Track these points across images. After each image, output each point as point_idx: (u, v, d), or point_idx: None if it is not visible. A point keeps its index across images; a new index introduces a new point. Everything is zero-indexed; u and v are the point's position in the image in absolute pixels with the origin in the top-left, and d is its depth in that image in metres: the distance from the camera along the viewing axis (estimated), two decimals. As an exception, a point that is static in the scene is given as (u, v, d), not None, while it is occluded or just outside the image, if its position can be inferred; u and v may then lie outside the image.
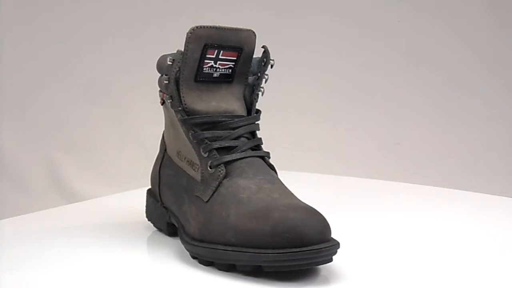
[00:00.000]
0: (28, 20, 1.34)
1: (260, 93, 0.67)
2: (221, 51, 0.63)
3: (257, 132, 0.66)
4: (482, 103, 1.30)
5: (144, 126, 1.33)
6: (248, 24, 0.66)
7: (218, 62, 0.63)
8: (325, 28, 1.30)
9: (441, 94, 1.31)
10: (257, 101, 0.67)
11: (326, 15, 1.30)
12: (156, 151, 0.70)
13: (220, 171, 0.61)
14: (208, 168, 0.62)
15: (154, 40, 1.34)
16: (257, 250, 0.54)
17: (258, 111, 0.66)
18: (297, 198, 0.60)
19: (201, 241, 0.59)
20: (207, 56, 0.62)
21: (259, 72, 0.66)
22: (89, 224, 0.76)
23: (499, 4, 1.27)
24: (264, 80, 0.67)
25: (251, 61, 0.66)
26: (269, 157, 0.65)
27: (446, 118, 1.31)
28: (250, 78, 0.66)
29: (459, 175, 1.28)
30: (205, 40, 0.62)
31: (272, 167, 0.64)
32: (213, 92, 0.65)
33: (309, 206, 0.57)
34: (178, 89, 0.63)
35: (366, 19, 1.30)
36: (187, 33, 0.62)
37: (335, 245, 0.55)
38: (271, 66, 0.67)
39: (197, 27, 0.62)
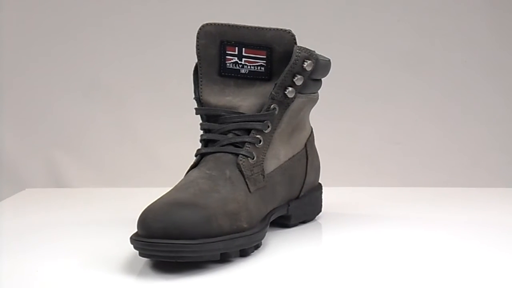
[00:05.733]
0: (28, 20, 1.34)
1: (281, 94, 0.66)
2: (243, 49, 0.64)
3: (264, 131, 0.65)
4: (482, 103, 1.31)
5: (144, 126, 1.33)
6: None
7: (243, 59, 0.64)
8: (325, 28, 1.31)
9: (441, 94, 1.32)
10: (275, 100, 0.66)
11: (326, 14, 1.31)
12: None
13: (194, 162, 0.65)
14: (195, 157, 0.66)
15: (155, 40, 1.34)
16: (134, 237, 0.57)
17: (268, 110, 0.65)
18: (209, 196, 0.58)
19: None
20: (228, 52, 0.64)
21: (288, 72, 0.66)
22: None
23: (499, 4, 1.29)
24: (287, 80, 0.65)
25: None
26: (248, 157, 0.64)
27: (446, 118, 1.32)
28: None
29: (460, 175, 1.29)
30: (220, 37, 0.64)
31: (239, 167, 0.63)
32: (241, 88, 0.66)
33: (208, 204, 0.56)
34: (196, 80, 0.67)
35: (364, 19, 1.31)
36: (198, 29, 0.66)
37: (182, 244, 0.53)
38: (305, 69, 0.66)
39: (206, 24, 0.65)
